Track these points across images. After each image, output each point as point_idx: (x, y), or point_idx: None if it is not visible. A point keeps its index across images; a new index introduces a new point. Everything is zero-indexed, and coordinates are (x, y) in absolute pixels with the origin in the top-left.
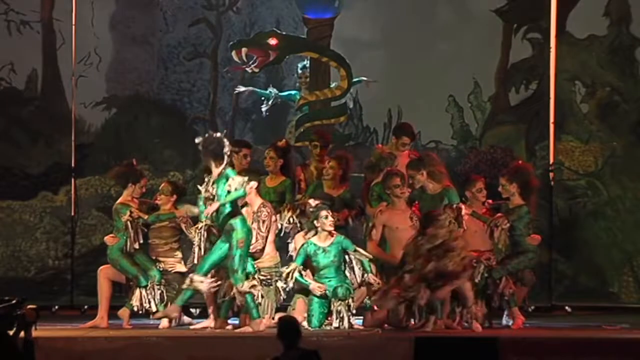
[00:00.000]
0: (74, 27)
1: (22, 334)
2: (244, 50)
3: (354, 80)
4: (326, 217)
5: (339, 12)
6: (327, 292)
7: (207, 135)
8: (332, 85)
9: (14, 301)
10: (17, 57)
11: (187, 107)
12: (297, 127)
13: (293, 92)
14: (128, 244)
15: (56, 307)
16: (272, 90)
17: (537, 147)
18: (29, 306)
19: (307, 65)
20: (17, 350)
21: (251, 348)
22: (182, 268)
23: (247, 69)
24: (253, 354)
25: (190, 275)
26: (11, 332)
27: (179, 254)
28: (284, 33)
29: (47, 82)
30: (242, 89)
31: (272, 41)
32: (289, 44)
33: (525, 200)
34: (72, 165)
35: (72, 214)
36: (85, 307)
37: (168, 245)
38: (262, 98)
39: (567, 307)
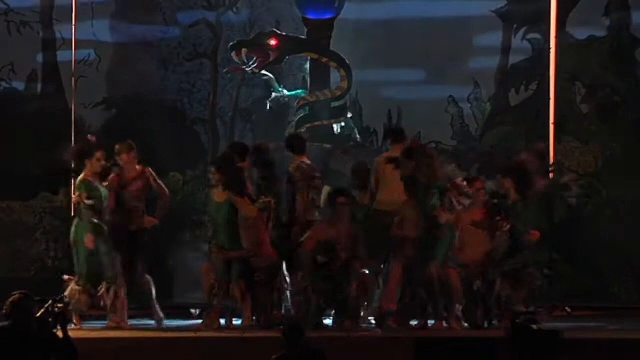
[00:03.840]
0: (74, 27)
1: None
2: (244, 50)
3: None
4: None
5: (339, 13)
6: None
7: None
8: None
9: (50, 300)
10: (17, 57)
11: (187, 108)
12: (297, 127)
13: (300, 90)
14: None
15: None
16: (283, 91)
17: None
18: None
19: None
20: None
21: (251, 348)
22: None
23: (247, 69)
24: (253, 354)
25: None
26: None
27: None
28: (284, 33)
29: (47, 82)
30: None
31: (272, 42)
32: (289, 44)
33: (521, 195)
34: (72, 165)
35: (72, 214)
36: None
37: None
38: (272, 90)
39: (567, 308)
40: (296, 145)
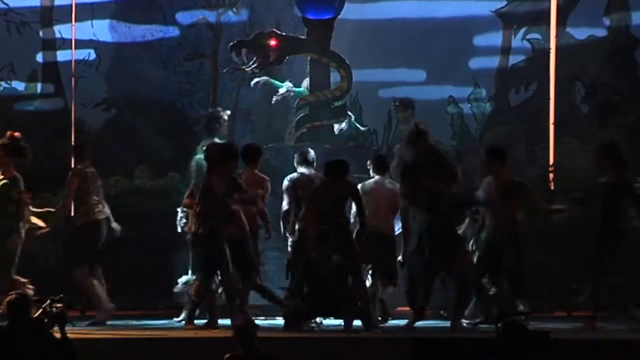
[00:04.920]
0: (73, 27)
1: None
2: (244, 51)
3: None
4: None
5: (339, 13)
6: None
7: None
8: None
9: (48, 300)
10: (17, 57)
11: (187, 108)
12: (297, 128)
13: (302, 88)
14: None
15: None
16: (287, 84)
17: (537, 147)
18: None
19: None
20: (67, 348)
21: None
22: None
23: (247, 69)
24: None
25: None
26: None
27: None
28: (283, 34)
29: (47, 82)
30: (258, 79)
31: (272, 42)
32: (289, 44)
33: (623, 176)
34: (72, 165)
35: (72, 214)
36: (86, 307)
37: None
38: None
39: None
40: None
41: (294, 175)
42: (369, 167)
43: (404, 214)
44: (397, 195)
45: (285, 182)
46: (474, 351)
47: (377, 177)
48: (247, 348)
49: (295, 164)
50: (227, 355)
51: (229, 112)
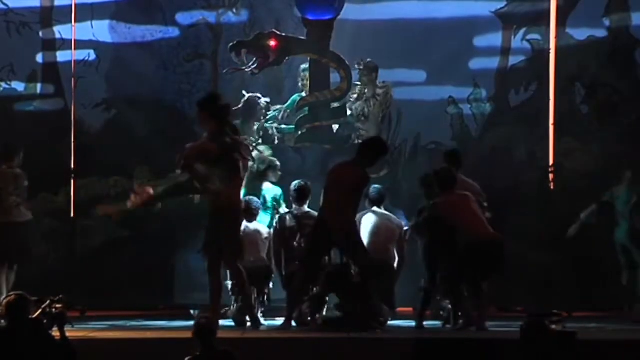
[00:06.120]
0: (73, 27)
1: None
2: (243, 51)
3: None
4: None
5: (339, 13)
6: None
7: None
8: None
9: (47, 301)
10: (17, 57)
11: (186, 108)
12: (297, 128)
13: (293, 98)
14: None
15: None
16: (279, 108)
17: (537, 148)
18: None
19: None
20: (67, 348)
21: (252, 349)
22: None
23: (247, 70)
24: (254, 354)
25: None
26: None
27: None
28: (283, 34)
29: (47, 83)
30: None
31: (272, 42)
32: (288, 45)
33: None
34: (72, 166)
35: (72, 214)
36: (86, 308)
37: None
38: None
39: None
40: None
41: (283, 215)
42: (367, 198)
43: (401, 246)
44: (395, 226)
45: (273, 227)
46: (474, 352)
47: (375, 208)
48: (206, 347)
49: (291, 199)
50: (188, 358)
51: (268, 99)
